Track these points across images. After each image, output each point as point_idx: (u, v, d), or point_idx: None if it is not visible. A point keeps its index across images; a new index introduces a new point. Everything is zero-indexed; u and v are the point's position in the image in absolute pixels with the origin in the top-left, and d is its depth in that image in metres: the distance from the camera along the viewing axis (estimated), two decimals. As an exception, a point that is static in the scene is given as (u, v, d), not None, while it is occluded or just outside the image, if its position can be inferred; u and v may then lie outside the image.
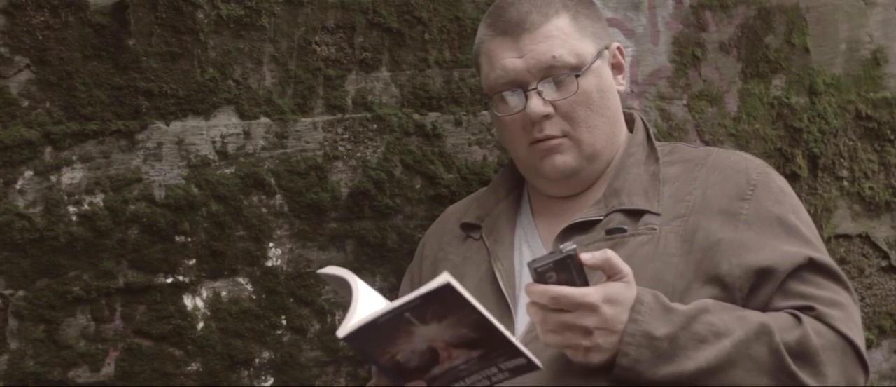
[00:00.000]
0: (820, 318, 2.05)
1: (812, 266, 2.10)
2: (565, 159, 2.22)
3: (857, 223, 2.91)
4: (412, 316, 1.80)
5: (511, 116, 2.22)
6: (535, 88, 2.19)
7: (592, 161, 2.24)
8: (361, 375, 2.58)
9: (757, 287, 2.09)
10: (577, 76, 2.20)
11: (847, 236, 2.91)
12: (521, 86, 2.20)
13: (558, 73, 2.19)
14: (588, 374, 1.99)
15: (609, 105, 2.25)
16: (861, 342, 2.07)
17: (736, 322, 2.02)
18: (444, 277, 1.78)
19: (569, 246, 1.90)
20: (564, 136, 2.21)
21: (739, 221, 2.13)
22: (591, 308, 1.93)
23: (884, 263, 2.94)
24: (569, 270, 1.93)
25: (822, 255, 2.12)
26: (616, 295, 1.96)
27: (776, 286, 2.08)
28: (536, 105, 2.19)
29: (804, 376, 2.01)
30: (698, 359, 1.98)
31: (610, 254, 1.97)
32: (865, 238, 2.92)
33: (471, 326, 1.83)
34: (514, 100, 2.22)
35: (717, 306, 2.04)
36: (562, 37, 2.20)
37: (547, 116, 2.20)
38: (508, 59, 2.21)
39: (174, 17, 2.44)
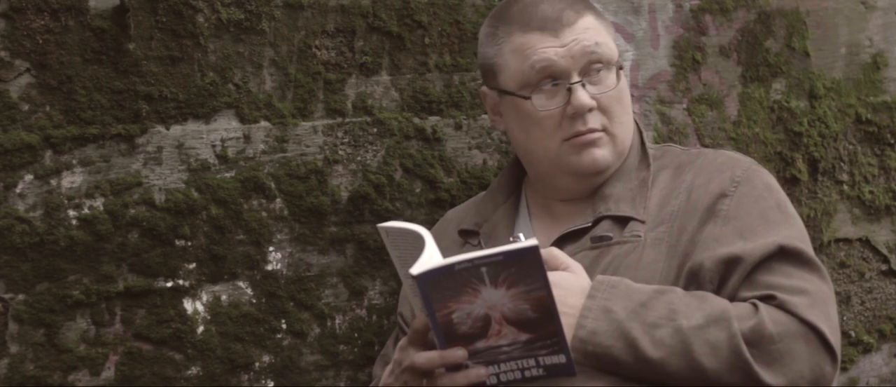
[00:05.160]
0: (781, 305, 2.01)
1: (782, 255, 2.06)
2: (604, 153, 2.21)
3: (858, 227, 2.91)
4: (487, 272, 1.83)
5: (548, 110, 2.21)
6: (580, 81, 2.19)
7: (619, 158, 2.25)
8: (361, 379, 2.58)
9: (726, 278, 2.07)
10: (620, 68, 2.22)
11: (847, 240, 2.90)
12: (561, 78, 2.20)
13: (599, 65, 2.20)
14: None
15: (629, 107, 2.27)
16: (828, 329, 2.00)
17: (696, 305, 2.01)
18: (532, 240, 1.85)
19: (530, 241, 1.91)
20: (603, 130, 2.22)
21: (719, 217, 2.13)
22: None
23: (884, 267, 2.94)
24: None
25: (796, 242, 2.08)
26: (558, 280, 2.00)
27: (743, 276, 2.05)
28: (584, 97, 2.19)
29: (759, 365, 1.96)
30: (656, 336, 1.97)
31: (555, 251, 2.06)
32: (865, 242, 2.92)
33: (534, 302, 1.87)
34: (552, 93, 2.21)
35: (682, 290, 2.05)
36: (597, 29, 2.23)
37: (590, 109, 2.20)
38: (550, 49, 2.19)
39: (174, 21, 2.44)
